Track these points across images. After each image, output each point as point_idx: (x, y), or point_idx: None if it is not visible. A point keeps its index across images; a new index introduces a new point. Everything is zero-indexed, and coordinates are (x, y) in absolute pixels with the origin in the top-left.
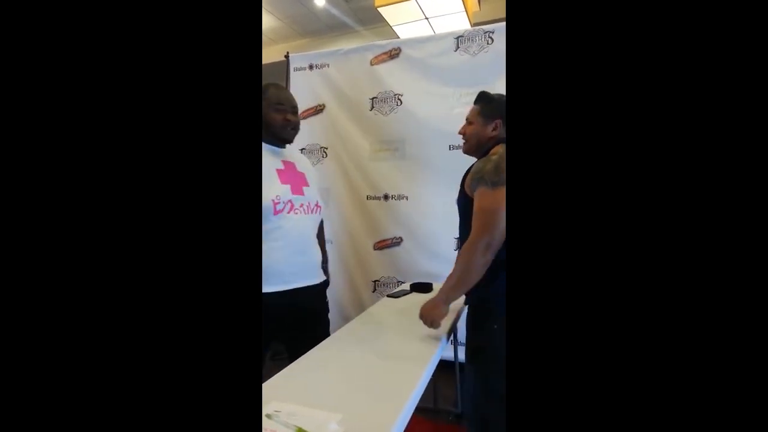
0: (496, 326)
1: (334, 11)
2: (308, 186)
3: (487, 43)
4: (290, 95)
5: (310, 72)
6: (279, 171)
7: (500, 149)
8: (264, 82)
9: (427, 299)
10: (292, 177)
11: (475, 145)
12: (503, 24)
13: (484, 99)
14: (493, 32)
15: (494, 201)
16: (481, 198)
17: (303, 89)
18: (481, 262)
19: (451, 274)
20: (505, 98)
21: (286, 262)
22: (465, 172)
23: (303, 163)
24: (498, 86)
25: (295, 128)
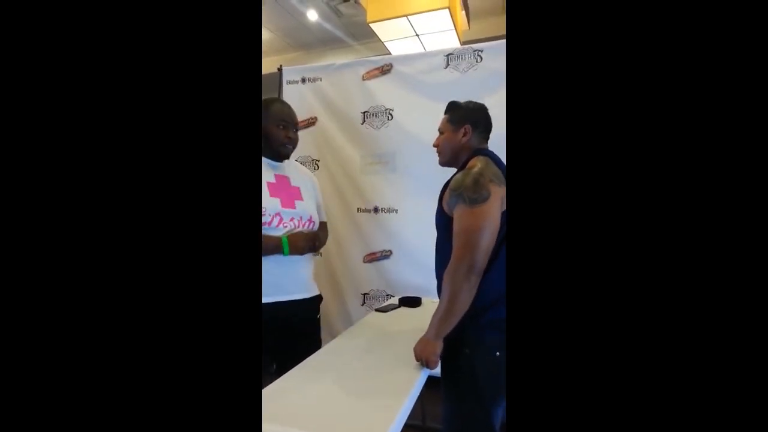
0: (467, 350)
1: (327, 25)
2: (302, 200)
3: (477, 61)
4: (293, 112)
5: (303, 85)
6: (269, 184)
7: (478, 162)
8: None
9: (416, 313)
10: (283, 191)
11: (449, 155)
12: (492, 43)
13: (452, 107)
14: (482, 51)
15: (474, 220)
16: (460, 218)
17: (295, 102)
18: (466, 287)
19: (438, 306)
20: (472, 105)
21: (271, 274)
22: (443, 186)
23: (300, 178)
24: (487, 103)
25: (295, 145)
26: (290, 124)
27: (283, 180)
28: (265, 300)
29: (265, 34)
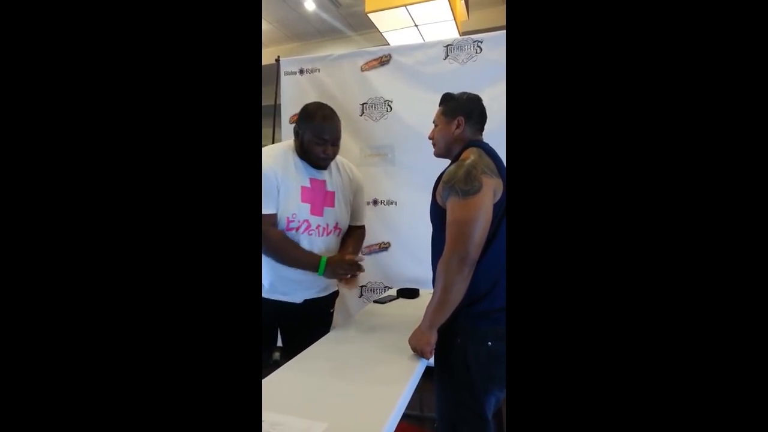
0: (459, 340)
1: (325, 16)
2: (332, 207)
3: (476, 52)
4: (336, 126)
5: (301, 76)
6: (303, 189)
7: (471, 155)
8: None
9: (414, 304)
10: (316, 196)
11: (443, 147)
12: (492, 33)
13: (445, 99)
14: (481, 41)
15: (466, 212)
16: (452, 209)
17: (293, 93)
18: (459, 278)
19: (432, 297)
20: (465, 96)
21: (290, 278)
22: (437, 179)
23: (339, 180)
24: (486, 95)
25: (332, 158)
26: (329, 141)
27: (318, 184)
28: (281, 298)
29: (263, 25)
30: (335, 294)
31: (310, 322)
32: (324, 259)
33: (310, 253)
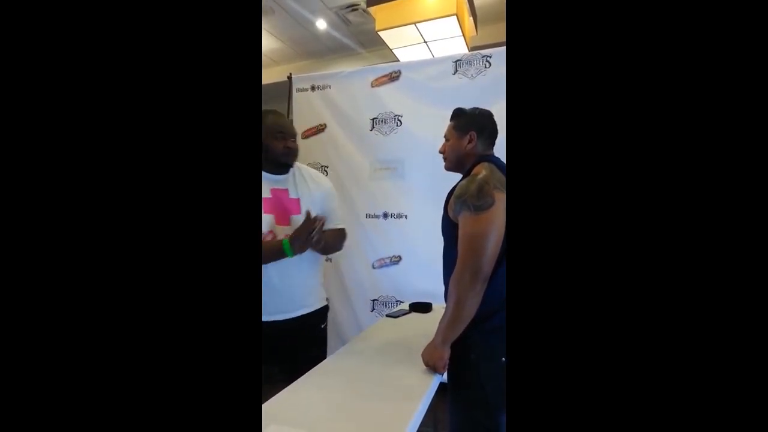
0: (472, 356)
1: (336, 34)
2: (299, 214)
3: (485, 67)
4: (289, 122)
5: (312, 93)
6: (264, 200)
7: (483, 170)
8: (268, 102)
9: (427, 319)
10: (279, 206)
11: (454, 161)
12: (500, 49)
13: (457, 114)
14: (490, 56)
15: (478, 227)
16: (465, 224)
17: (305, 109)
18: (472, 293)
19: (444, 312)
20: (477, 112)
21: (271, 294)
22: (448, 193)
23: (304, 186)
24: (496, 109)
25: (295, 155)
26: (288, 134)
27: (280, 194)
28: (264, 319)
29: (275, 44)
30: (324, 309)
31: (298, 341)
32: (286, 241)
33: (272, 241)
